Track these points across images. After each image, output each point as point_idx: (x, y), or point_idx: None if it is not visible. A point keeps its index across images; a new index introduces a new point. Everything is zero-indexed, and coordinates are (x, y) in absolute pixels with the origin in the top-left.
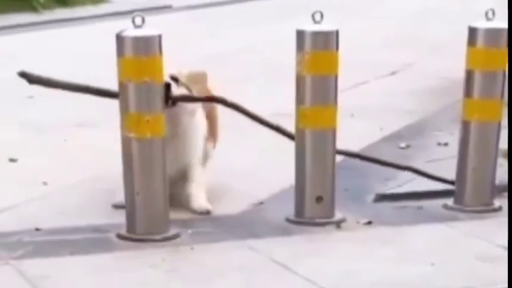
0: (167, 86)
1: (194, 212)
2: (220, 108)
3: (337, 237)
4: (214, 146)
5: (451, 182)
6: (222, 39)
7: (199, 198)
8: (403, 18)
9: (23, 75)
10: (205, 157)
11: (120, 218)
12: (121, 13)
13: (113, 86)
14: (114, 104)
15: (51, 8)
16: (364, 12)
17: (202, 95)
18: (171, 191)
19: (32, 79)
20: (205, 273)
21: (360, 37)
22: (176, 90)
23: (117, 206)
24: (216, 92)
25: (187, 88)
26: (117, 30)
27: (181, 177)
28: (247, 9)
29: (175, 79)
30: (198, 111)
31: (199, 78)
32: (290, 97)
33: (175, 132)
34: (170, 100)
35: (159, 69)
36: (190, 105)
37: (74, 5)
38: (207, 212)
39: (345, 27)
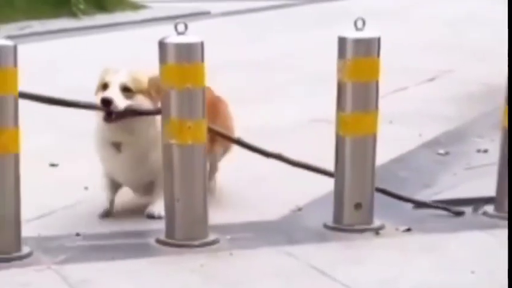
0: (106, 102)
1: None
2: (254, 112)
3: (376, 244)
4: (224, 152)
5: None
6: (261, 45)
7: (153, 204)
8: (443, 23)
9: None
10: (210, 168)
11: (159, 224)
12: (160, 19)
13: None
14: None
15: (91, 14)
16: (404, 16)
17: None
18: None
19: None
20: (243, 279)
21: (399, 42)
22: (122, 103)
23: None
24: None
25: (147, 94)
26: (156, 36)
27: (144, 191)
28: (286, 15)
29: (126, 88)
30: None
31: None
32: (329, 103)
33: (132, 142)
34: (113, 115)
35: (201, 75)
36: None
37: (114, 11)
38: (152, 217)
39: (384, 32)
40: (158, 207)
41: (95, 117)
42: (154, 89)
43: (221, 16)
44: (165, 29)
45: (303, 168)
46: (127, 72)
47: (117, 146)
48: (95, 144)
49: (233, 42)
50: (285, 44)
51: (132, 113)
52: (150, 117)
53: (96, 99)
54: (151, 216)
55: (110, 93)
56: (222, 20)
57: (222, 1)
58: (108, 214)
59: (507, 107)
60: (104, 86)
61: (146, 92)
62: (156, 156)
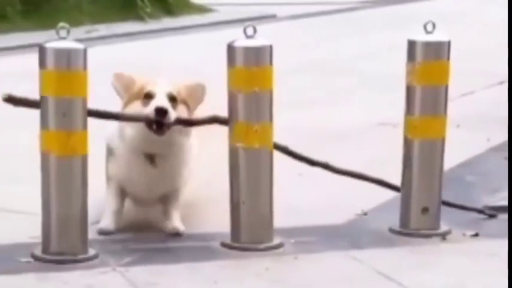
0: (162, 113)
1: (168, 232)
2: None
3: (443, 249)
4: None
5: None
6: (327, 48)
7: (172, 219)
8: None
9: (9, 99)
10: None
11: (224, 227)
12: (226, 22)
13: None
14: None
15: (157, 18)
16: (474, 19)
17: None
18: (138, 208)
19: (17, 102)
20: (309, 284)
21: (468, 45)
22: (173, 114)
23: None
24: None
25: (185, 104)
26: (221, 40)
27: (161, 200)
28: (353, 18)
29: (173, 98)
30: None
31: (198, 91)
32: (394, 107)
33: (168, 154)
34: (165, 126)
35: (269, 79)
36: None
37: (180, 14)
38: (178, 234)
39: (452, 35)
40: (179, 222)
41: (118, 124)
42: (192, 98)
43: (287, 19)
44: (232, 32)
45: (350, 176)
46: (168, 81)
47: (151, 158)
48: (118, 152)
49: (299, 46)
50: (352, 47)
51: (184, 122)
52: (188, 129)
53: (127, 109)
54: (176, 234)
55: (162, 103)
56: (288, 24)
57: (288, 4)
58: (113, 227)
59: None
60: (147, 96)
61: (185, 102)
62: (187, 169)
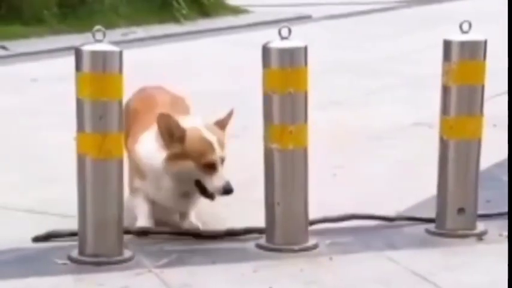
0: (230, 192)
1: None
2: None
3: (479, 249)
4: None
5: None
6: (363, 48)
7: (189, 217)
8: None
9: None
10: None
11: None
12: (262, 23)
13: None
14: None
15: (193, 19)
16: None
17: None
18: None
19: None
20: (344, 285)
21: (504, 44)
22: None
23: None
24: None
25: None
26: (257, 41)
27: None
28: (389, 18)
29: (223, 160)
30: None
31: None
32: (430, 107)
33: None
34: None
35: (304, 80)
36: None
37: (216, 16)
38: (198, 229)
39: (488, 34)
40: (195, 220)
41: (157, 153)
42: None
43: (323, 20)
44: (267, 33)
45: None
46: (216, 139)
47: (184, 195)
48: (151, 177)
49: (335, 46)
50: (388, 47)
51: None
52: None
53: (177, 165)
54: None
55: (227, 180)
56: (324, 24)
57: (323, 5)
58: (151, 225)
59: None
60: (211, 166)
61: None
62: None
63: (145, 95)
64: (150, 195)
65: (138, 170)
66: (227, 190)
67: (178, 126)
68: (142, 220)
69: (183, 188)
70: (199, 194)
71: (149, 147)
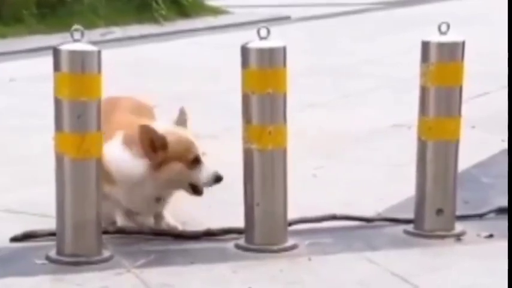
0: (220, 180)
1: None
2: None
3: (458, 250)
4: None
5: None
6: (342, 50)
7: (166, 218)
8: None
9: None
10: None
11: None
12: (241, 24)
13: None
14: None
15: (172, 20)
16: (488, 21)
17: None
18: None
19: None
20: (324, 285)
21: (482, 46)
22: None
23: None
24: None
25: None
26: (236, 41)
27: None
28: (368, 20)
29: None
30: None
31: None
32: (409, 108)
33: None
34: None
35: (283, 80)
36: None
37: (195, 17)
38: (177, 230)
39: (467, 36)
40: (173, 220)
41: (132, 169)
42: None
43: (301, 21)
44: (246, 34)
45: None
46: (191, 135)
47: (157, 199)
48: (121, 184)
49: (313, 48)
50: (366, 48)
51: None
52: None
53: (168, 171)
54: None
55: (215, 169)
56: (303, 25)
57: (302, 6)
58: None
59: None
60: (195, 161)
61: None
62: None
63: (108, 100)
64: (121, 202)
65: (106, 176)
66: (218, 177)
67: (158, 134)
68: (121, 219)
69: (168, 192)
70: (190, 193)
71: (121, 156)
